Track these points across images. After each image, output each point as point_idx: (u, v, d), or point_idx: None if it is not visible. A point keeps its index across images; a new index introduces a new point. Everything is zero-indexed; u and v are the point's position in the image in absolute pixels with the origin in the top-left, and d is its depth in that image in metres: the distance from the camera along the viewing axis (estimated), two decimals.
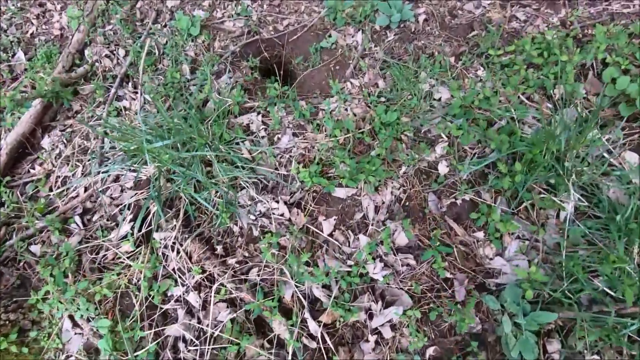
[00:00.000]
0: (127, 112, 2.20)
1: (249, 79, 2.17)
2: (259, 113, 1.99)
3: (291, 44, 2.31)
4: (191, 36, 2.34)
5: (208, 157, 1.79)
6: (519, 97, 1.76)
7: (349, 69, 2.05)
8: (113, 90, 2.24)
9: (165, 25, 2.44)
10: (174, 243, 1.66)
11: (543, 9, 2.05)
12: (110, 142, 2.07)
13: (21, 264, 1.82)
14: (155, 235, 1.65)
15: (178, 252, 1.65)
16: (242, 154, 1.87)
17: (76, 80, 2.33)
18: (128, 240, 1.66)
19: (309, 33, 2.28)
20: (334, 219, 1.69)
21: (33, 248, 1.84)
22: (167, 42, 2.37)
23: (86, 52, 2.45)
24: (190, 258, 1.64)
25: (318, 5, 2.35)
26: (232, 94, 2.04)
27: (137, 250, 1.68)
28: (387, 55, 2.05)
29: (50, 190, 2.03)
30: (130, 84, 2.30)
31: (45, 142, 2.20)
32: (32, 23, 2.80)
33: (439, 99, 1.87)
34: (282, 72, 2.29)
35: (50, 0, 2.87)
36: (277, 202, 1.70)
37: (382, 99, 1.92)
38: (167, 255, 1.65)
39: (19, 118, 2.14)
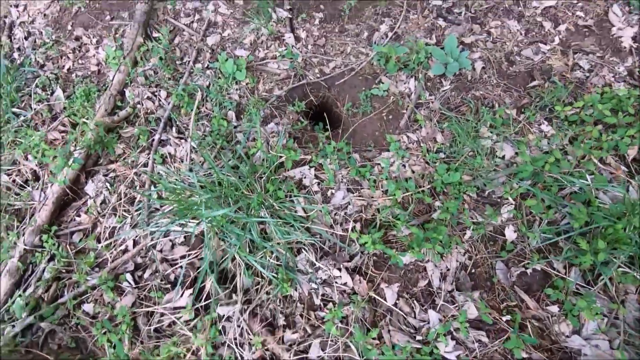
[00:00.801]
0: (172, 159, 2.16)
1: (298, 127, 2.12)
2: (311, 167, 1.93)
3: (337, 87, 2.25)
4: (235, 79, 2.28)
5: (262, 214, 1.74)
6: (591, 159, 1.68)
7: (403, 119, 1.98)
8: (157, 136, 2.20)
9: (207, 67, 2.39)
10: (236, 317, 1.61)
11: (608, 56, 1.96)
12: (156, 192, 2.04)
13: (73, 322, 1.80)
14: (219, 309, 1.61)
15: (239, 324, 1.61)
16: (296, 212, 1.82)
17: (118, 124, 2.30)
18: (186, 310, 1.62)
19: (356, 77, 2.21)
20: (397, 286, 1.64)
21: (86, 307, 1.81)
22: (210, 84, 2.32)
23: (127, 93, 2.41)
24: (250, 330, 1.60)
25: (365, 46, 2.28)
26: (282, 144, 1.98)
27: (196, 319, 1.64)
28: (444, 105, 1.97)
29: (98, 241, 2.00)
30: (174, 128, 2.26)
31: (90, 188, 2.17)
32: (68, 57, 2.77)
33: (503, 157, 1.79)
34: (329, 117, 2.23)
35: (86, 34, 2.84)
36: (339, 269, 1.65)
37: (442, 155, 1.85)
38: (226, 327, 1.61)
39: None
